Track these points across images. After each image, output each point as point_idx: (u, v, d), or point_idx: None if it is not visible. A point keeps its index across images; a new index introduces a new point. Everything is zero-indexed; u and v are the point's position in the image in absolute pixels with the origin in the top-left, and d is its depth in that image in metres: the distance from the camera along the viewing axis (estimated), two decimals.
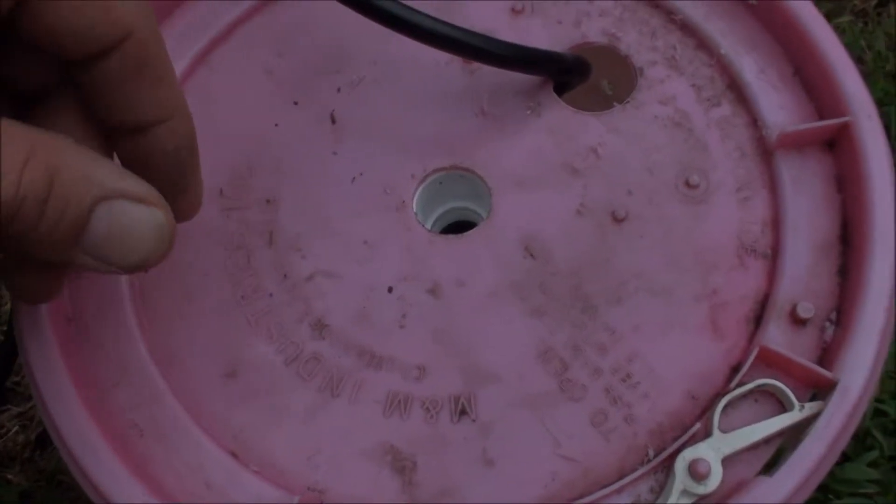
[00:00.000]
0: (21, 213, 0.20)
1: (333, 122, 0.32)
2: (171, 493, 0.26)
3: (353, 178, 0.31)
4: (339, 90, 0.32)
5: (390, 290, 0.29)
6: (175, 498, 0.26)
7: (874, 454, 0.48)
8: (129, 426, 0.28)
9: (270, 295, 0.29)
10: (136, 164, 0.25)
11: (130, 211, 0.21)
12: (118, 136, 0.24)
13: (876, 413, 0.49)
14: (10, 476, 0.46)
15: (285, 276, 0.30)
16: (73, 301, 0.29)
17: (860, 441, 0.48)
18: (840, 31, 0.61)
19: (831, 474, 0.47)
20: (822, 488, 0.47)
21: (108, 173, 0.21)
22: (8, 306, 0.56)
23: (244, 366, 0.28)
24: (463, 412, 0.27)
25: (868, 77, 0.58)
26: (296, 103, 0.32)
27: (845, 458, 0.48)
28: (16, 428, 0.49)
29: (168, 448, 0.27)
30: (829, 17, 0.62)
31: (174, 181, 0.26)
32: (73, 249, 0.21)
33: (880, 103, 0.58)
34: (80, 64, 0.23)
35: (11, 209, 0.19)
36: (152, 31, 0.23)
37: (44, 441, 0.48)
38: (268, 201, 0.31)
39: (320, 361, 0.28)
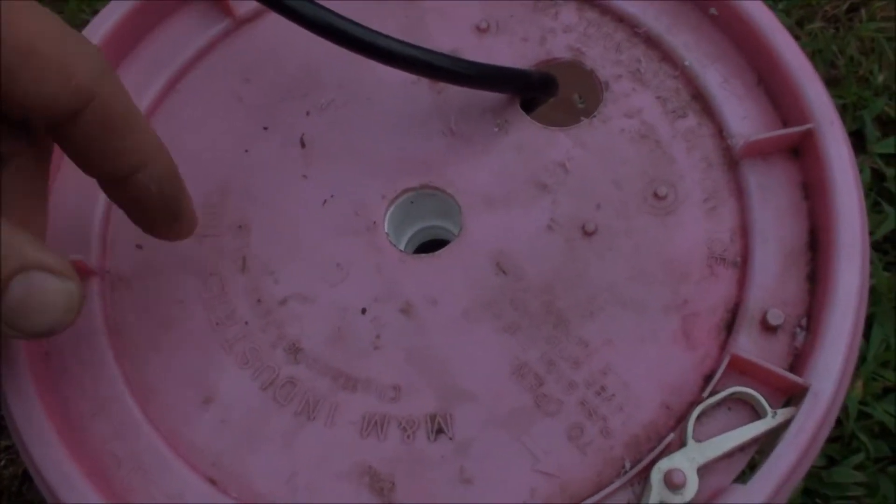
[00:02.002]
0: None
1: (303, 145, 0.32)
2: None
3: (325, 201, 0.31)
4: (307, 114, 0.33)
5: (364, 311, 0.29)
6: None
7: (860, 457, 0.48)
8: (108, 457, 0.28)
9: (246, 322, 0.29)
10: (128, 205, 0.26)
11: (44, 282, 0.22)
12: (103, 184, 0.25)
13: (861, 416, 0.49)
14: None
15: (259, 301, 0.30)
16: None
17: (846, 444, 0.48)
18: (812, 37, 0.61)
19: (818, 478, 0.47)
20: (810, 492, 0.47)
21: (27, 244, 0.22)
22: None
23: (221, 392, 0.29)
24: (440, 431, 0.27)
25: (840, 82, 0.59)
26: (265, 128, 0.33)
27: (831, 461, 0.48)
28: (3, 461, 0.49)
29: (147, 478, 0.27)
30: (801, 23, 0.62)
31: (167, 212, 0.27)
32: None
33: (854, 108, 0.59)
34: (49, 128, 0.23)
35: None
36: (114, 87, 0.24)
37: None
38: (240, 227, 0.31)
39: (296, 385, 0.28)
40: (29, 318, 0.22)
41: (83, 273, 0.30)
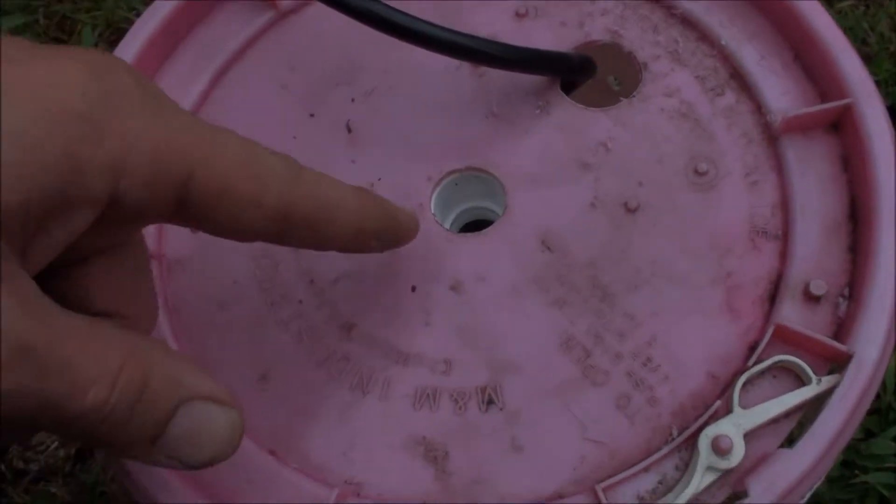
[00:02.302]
0: (110, 417, 0.19)
1: (349, 131, 0.33)
2: (216, 492, 0.27)
3: (372, 184, 0.32)
4: (352, 100, 0.34)
5: (413, 289, 0.30)
6: (219, 495, 0.27)
7: None
8: None
9: (299, 301, 0.30)
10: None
11: (209, 412, 0.21)
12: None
13: None
14: (53, 490, 0.48)
15: (312, 281, 0.31)
16: None
17: (884, 416, 0.49)
18: (843, 15, 0.62)
19: (856, 450, 0.47)
20: (848, 464, 0.47)
21: (191, 374, 0.21)
22: None
23: (277, 369, 0.30)
24: (490, 402, 0.28)
25: (872, 59, 0.59)
26: (312, 115, 0.34)
27: (869, 433, 0.48)
28: (55, 443, 0.50)
29: None
30: (831, 1, 0.62)
31: (389, 243, 0.28)
32: (148, 449, 0.21)
33: (885, 84, 0.59)
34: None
35: (102, 412, 0.19)
36: (306, 190, 0.23)
37: (83, 455, 0.49)
38: None
39: (350, 361, 0.29)
40: (193, 450, 0.21)
41: None
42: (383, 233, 0.26)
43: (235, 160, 0.21)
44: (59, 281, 0.22)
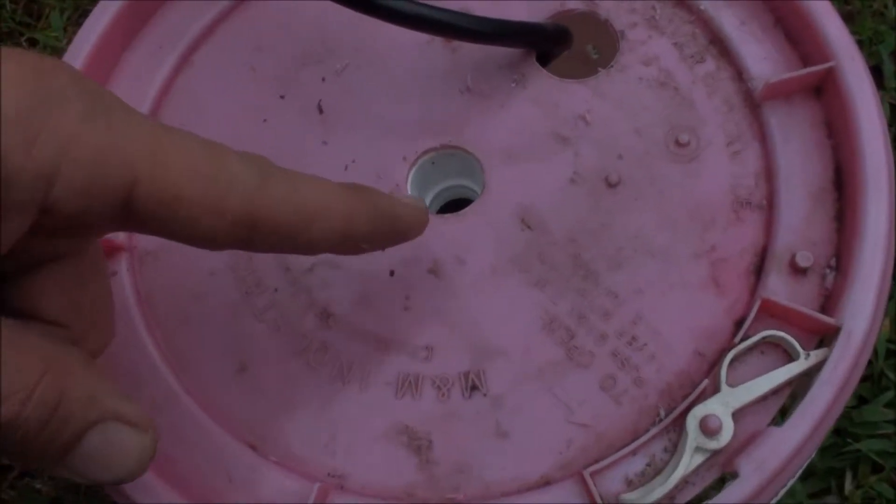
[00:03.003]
0: (21, 430, 0.19)
1: (321, 111, 0.32)
2: (195, 490, 0.27)
3: (346, 166, 0.31)
4: (323, 80, 0.33)
5: (392, 273, 0.29)
6: (199, 494, 0.27)
7: (890, 395, 0.48)
8: None
9: (275, 289, 0.30)
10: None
11: (121, 433, 0.21)
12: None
13: (889, 354, 0.49)
14: (38, 485, 0.47)
15: (287, 268, 0.30)
16: None
17: (876, 383, 0.48)
18: None
19: (848, 417, 0.47)
20: (840, 432, 0.47)
21: (108, 395, 0.21)
22: None
23: (254, 360, 0.29)
24: (474, 387, 0.28)
25: (855, 17, 0.58)
26: (282, 97, 0.33)
27: (861, 400, 0.48)
28: None
29: (187, 446, 0.28)
30: None
31: (392, 239, 0.26)
32: (56, 465, 0.21)
33: (870, 43, 0.58)
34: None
35: (13, 426, 0.19)
36: (274, 195, 0.21)
37: None
38: None
39: (329, 350, 0.29)
40: (100, 469, 0.21)
41: (111, 250, 0.30)
42: (376, 234, 0.24)
43: (189, 165, 0.20)
44: (9, 288, 0.21)
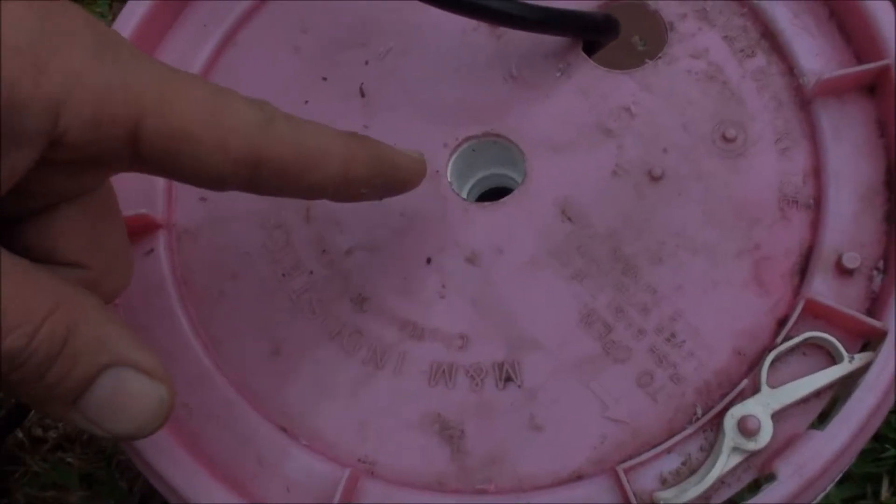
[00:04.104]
0: (26, 365, 0.19)
1: (363, 95, 0.32)
2: (225, 470, 0.27)
3: None
4: (366, 63, 0.32)
5: (429, 260, 0.29)
6: (229, 474, 0.27)
7: None
8: (180, 406, 0.28)
9: (311, 272, 0.30)
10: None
11: (135, 381, 0.21)
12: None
13: None
14: (70, 459, 0.47)
15: (324, 251, 0.30)
16: None
17: None
18: None
19: (887, 422, 0.46)
20: (878, 437, 0.46)
21: (122, 339, 0.21)
22: None
23: (288, 342, 0.29)
24: (508, 379, 0.27)
25: None
26: (324, 79, 0.32)
27: None
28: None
29: (219, 426, 0.28)
30: None
31: (388, 189, 0.26)
32: (68, 408, 0.20)
33: None
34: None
35: (18, 360, 0.19)
36: (278, 138, 0.22)
37: None
38: None
39: (363, 335, 0.28)
40: (113, 419, 0.21)
41: (150, 227, 0.30)
42: (376, 179, 0.25)
43: (196, 104, 0.20)
44: (25, 229, 0.21)
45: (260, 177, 0.22)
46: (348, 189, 0.24)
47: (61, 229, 0.22)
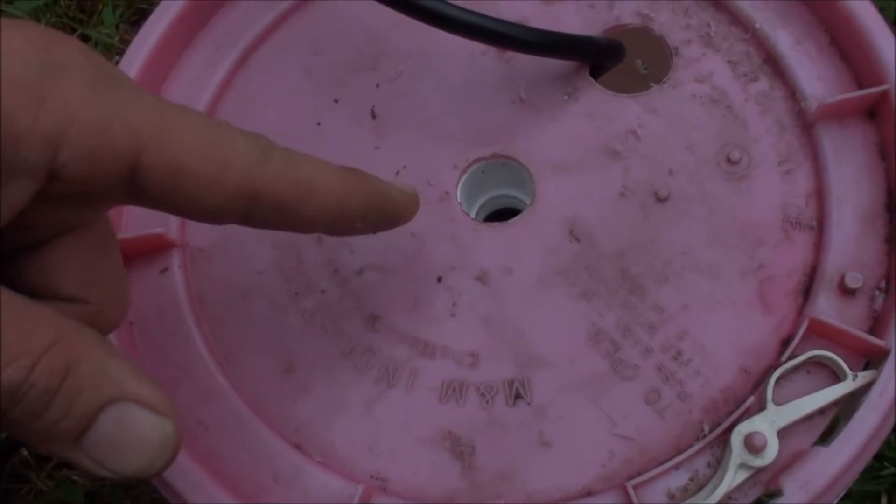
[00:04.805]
0: (25, 400, 0.19)
1: (374, 117, 0.33)
2: (239, 486, 0.27)
3: (397, 172, 0.31)
4: (377, 85, 0.33)
5: (439, 279, 0.30)
6: (244, 491, 0.27)
7: None
8: (194, 423, 0.29)
9: (322, 291, 0.30)
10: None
11: (139, 417, 0.20)
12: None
13: None
14: (75, 477, 0.48)
15: (336, 271, 0.30)
16: (132, 305, 0.30)
17: None
18: None
19: (889, 444, 0.46)
20: (878, 455, 0.46)
21: (123, 373, 0.20)
22: None
23: (301, 360, 0.29)
24: (518, 396, 0.28)
25: None
26: (336, 101, 0.33)
27: None
28: None
29: (233, 443, 0.28)
30: None
31: (382, 222, 0.26)
32: (70, 447, 0.20)
33: None
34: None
35: (17, 395, 0.18)
36: (276, 170, 0.22)
37: None
38: None
39: (375, 353, 0.29)
40: (119, 457, 0.20)
41: (165, 246, 0.31)
42: (371, 213, 0.25)
43: (193, 138, 0.21)
44: (23, 264, 0.21)
45: (256, 210, 0.22)
46: (343, 222, 0.24)
47: (60, 263, 0.22)
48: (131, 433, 0.20)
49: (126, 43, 0.59)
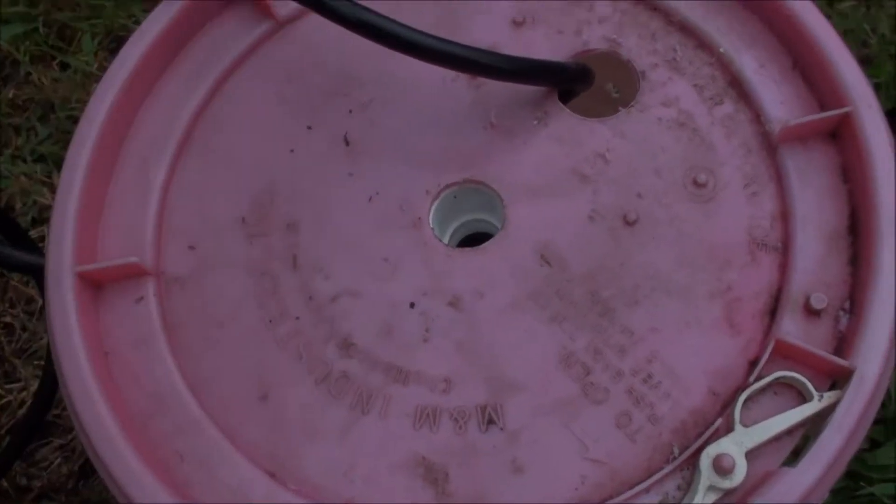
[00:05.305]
0: None
1: (347, 143, 0.33)
2: None
3: (370, 198, 0.32)
4: (350, 112, 0.33)
5: (412, 305, 0.30)
6: None
7: None
8: (170, 453, 0.29)
9: (297, 318, 0.30)
10: None
11: None
12: None
13: None
14: None
15: (310, 297, 0.31)
16: (108, 335, 0.30)
17: (890, 426, 0.48)
18: (843, 16, 0.61)
19: (861, 461, 0.47)
20: (853, 475, 0.47)
21: None
22: (44, 340, 0.58)
23: (276, 388, 0.29)
24: (491, 421, 0.28)
25: (873, 61, 0.59)
26: (309, 128, 0.33)
27: (874, 443, 0.48)
28: (59, 459, 0.50)
29: (209, 472, 0.28)
30: (832, 2, 0.62)
31: None
32: None
33: (886, 87, 0.59)
34: None
35: None
36: None
37: (87, 471, 0.49)
38: (289, 226, 0.32)
39: (349, 379, 0.29)
40: None
41: (140, 275, 0.31)
42: None
43: None
44: None
45: None
46: None
47: None
48: None
49: (104, 70, 0.59)
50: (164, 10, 0.34)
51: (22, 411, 0.56)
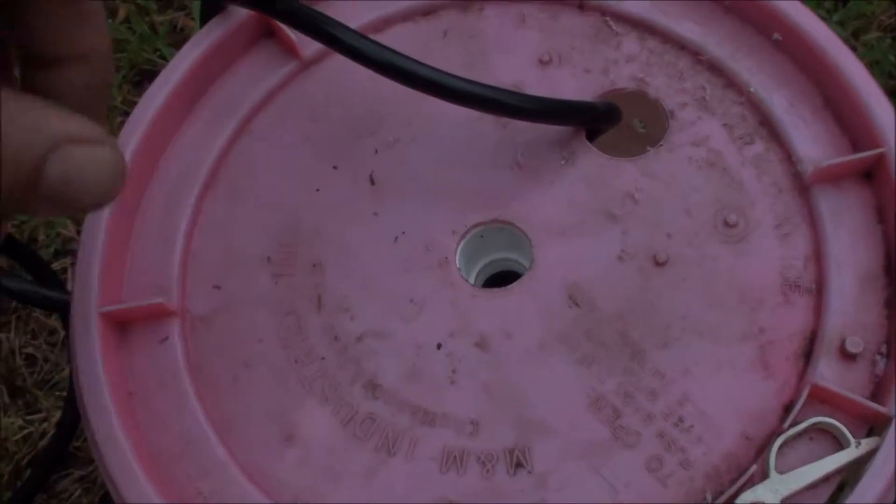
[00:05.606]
0: None
1: (372, 183, 0.33)
2: None
3: (396, 238, 0.32)
4: (375, 151, 0.33)
5: (439, 346, 0.30)
6: None
7: None
8: (194, 494, 0.28)
9: (322, 358, 0.30)
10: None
11: (82, 153, 0.20)
12: (33, 67, 0.24)
13: None
14: None
15: (336, 338, 0.30)
16: (132, 375, 0.30)
17: None
18: (869, 47, 0.61)
19: None
20: None
21: (54, 119, 0.20)
22: (66, 372, 0.58)
23: (301, 429, 0.29)
24: (519, 465, 0.28)
25: None
26: (335, 167, 0.33)
27: None
28: (79, 491, 0.50)
29: None
30: (857, 34, 0.62)
31: None
32: (32, 200, 0.20)
33: None
34: None
35: None
36: None
37: (106, 502, 0.49)
38: (314, 265, 0.31)
39: (375, 421, 0.29)
40: (76, 196, 0.21)
41: (165, 315, 0.31)
42: (94, 98, 0.24)
43: None
44: None
45: None
46: (93, 101, 0.24)
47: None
48: (80, 172, 0.20)
49: (128, 103, 0.60)
50: (190, 50, 0.34)
51: (43, 442, 0.56)
